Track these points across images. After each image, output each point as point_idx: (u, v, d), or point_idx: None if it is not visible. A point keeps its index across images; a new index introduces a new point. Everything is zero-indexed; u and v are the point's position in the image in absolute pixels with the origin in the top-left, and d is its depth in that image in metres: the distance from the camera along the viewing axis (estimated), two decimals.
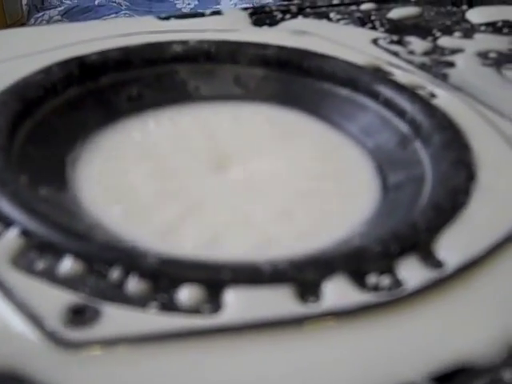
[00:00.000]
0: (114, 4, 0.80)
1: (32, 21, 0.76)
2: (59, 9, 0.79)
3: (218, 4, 0.83)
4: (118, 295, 0.20)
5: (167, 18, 0.39)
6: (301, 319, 0.19)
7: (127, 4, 0.80)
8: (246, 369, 0.18)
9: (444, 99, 0.31)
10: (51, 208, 0.24)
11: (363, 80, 0.32)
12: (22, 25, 0.76)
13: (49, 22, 0.76)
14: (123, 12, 0.78)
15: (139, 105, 0.32)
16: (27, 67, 0.31)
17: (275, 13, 0.41)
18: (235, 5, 0.80)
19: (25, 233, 0.22)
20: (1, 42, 0.35)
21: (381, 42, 0.37)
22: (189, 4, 0.84)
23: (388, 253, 0.22)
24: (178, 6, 0.84)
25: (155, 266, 0.20)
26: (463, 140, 0.28)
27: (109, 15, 0.77)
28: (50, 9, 0.79)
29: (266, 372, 0.18)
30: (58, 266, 0.21)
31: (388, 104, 0.31)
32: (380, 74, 0.33)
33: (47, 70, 0.31)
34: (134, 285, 0.20)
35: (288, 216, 0.26)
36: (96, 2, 0.80)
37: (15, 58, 0.32)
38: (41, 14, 0.78)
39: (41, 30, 0.40)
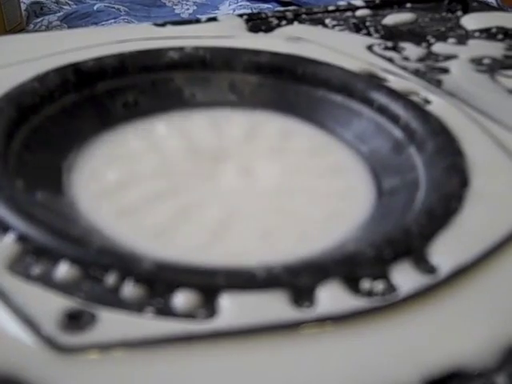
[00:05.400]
0: (113, 9, 0.80)
1: (31, 26, 0.76)
2: (58, 14, 0.79)
3: (217, 9, 0.82)
4: (113, 300, 0.20)
5: (163, 25, 0.39)
6: (295, 324, 0.19)
7: (126, 9, 0.80)
8: (240, 374, 0.18)
9: (438, 105, 0.31)
10: (47, 213, 0.24)
11: (358, 86, 0.33)
12: (21, 30, 0.76)
13: (48, 27, 0.76)
14: (122, 17, 0.78)
15: (135, 111, 0.33)
16: (24, 74, 0.31)
17: (271, 19, 0.42)
18: (234, 10, 0.80)
19: (21, 238, 0.22)
20: None
21: (375, 48, 0.38)
22: (187, 9, 0.84)
23: (382, 258, 0.22)
24: (177, 12, 0.84)
25: (151, 271, 0.20)
26: (457, 146, 0.28)
27: (107, 21, 0.77)
28: (48, 14, 0.79)
29: (260, 377, 0.18)
30: (54, 271, 0.21)
31: (382, 110, 0.31)
32: (374, 81, 0.33)
33: (43, 77, 0.31)
34: (129, 290, 0.20)
35: (282, 220, 0.26)
36: (95, 8, 0.79)
37: (12, 64, 0.32)
38: (40, 19, 0.77)
39: (38, 37, 0.40)
